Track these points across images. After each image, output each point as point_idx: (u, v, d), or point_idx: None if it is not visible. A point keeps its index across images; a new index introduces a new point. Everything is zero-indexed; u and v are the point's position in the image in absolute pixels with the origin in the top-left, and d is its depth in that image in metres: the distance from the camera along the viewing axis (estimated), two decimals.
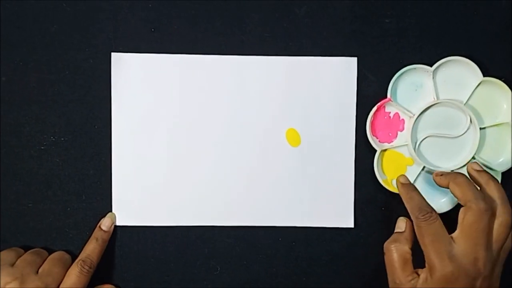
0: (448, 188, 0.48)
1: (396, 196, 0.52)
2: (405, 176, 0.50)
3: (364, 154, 0.53)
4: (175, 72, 0.53)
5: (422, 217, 0.45)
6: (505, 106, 0.52)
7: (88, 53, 0.52)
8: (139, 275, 0.54)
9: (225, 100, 0.53)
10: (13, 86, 0.52)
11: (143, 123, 0.53)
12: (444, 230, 0.45)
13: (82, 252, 0.51)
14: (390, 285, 0.47)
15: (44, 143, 0.53)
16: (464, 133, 0.53)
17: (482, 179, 0.48)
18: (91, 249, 0.51)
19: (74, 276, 0.49)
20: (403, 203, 0.52)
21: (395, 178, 0.51)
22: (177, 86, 0.53)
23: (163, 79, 0.53)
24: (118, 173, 0.53)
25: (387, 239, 0.52)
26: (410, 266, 0.46)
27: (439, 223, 0.45)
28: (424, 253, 0.45)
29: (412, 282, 0.45)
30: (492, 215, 0.45)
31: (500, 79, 0.52)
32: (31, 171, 0.53)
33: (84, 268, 0.49)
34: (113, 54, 0.52)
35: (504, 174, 0.53)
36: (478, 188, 0.47)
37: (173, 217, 0.53)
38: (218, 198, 0.53)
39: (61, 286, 0.48)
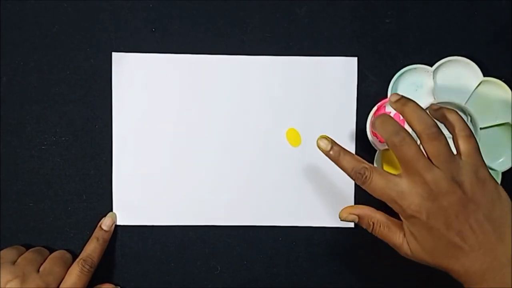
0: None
1: None
2: (325, 140, 0.46)
3: (365, 154, 0.53)
4: (176, 72, 0.53)
5: (360, 182, 0.44)
6: (505, 106, 0.52)
7: (89, 53, 0.53)
8: (139, 274, 0.54)
9: (226, 100, 0.53)
10: (14, 86, 0.52)
11: (144, 123, 0.53)
12: (385, 177, 0.44)
13: (83, 251, 0.51)
14: (402, 252, 0.46)
15: (45, 143, 0.53)
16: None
17: (400, 107, 0.45)
18: (92, 248, 0.51)
19: (75, 275, 0.49)
20: None
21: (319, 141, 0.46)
22: (178, 86, 0.53)
23: (163, 79, 0.53)
24: (119, 172, 0.53)
25: None
26: (394, 227, 0.46)
27: (375, 175, 0.44)
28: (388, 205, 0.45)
29: (405, 243, 0.45)
30: (411, 140, 0.43)
31: (500, 79, 0.52)
32: (32, 171, 0.53)
33: (85, 267, 0.49)
34: (114, 54, 0.52)
35: (504, 174, 0.53)
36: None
37: (173, 216, 0.53)
38: (219, 197, 0.53)
39: (61, 285, 0.48)
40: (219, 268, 0.54)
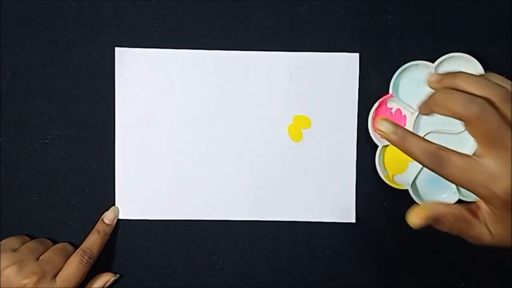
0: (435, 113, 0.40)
1: (397, 192, 0.52)
2: (385, 122, 0.39)
3: (366, 149, 0.53)
4: (179, 67, 0.53)
5: (435, 166, 0.38)
6: None
7: (92, 48, 0.53)
8: (141, 269, 0.54)
9: (228, 95, 0.53)
10: (18, 80, 0.53)
11: (147, 118, 0.53)
12: (466, 158, 0.37)
13: (84, 243, 0.51)
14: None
15: (48, 137, 0.53)
16: (465, 129, 0.53)
17: (450, 81, 0.39)
18: (93, 240, 0.51)
19: (73, 265, 0.49)
20: (404, 199, 0.52)
21: (377, 125, 0.40)
22: (180, 81, 0.53)
23: (166, 74, 0.53)
24: (122, 167, 0.53)
25: (388, 234, 0.53)
26: (471, 217, 0.39)
27: (454, 156, 0.37)
28: (470, 191, 0.38)
29: (484, 231, 0.39)
30: (491, 107, 0.37)
31: (501, 75, 0.52)
32: (35, 165, 0.53)
33: (84, 258, 0.49)
34: (117, 49, 0.53)
35: None
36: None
37: (175, 211, 0.54)
38: (221, 192, 0.54)
39: (59, 274, 0.48)
40: (220, 263, 0.54)
